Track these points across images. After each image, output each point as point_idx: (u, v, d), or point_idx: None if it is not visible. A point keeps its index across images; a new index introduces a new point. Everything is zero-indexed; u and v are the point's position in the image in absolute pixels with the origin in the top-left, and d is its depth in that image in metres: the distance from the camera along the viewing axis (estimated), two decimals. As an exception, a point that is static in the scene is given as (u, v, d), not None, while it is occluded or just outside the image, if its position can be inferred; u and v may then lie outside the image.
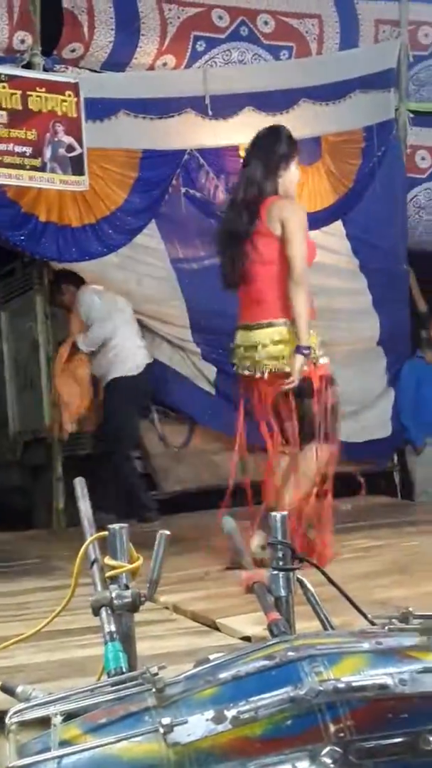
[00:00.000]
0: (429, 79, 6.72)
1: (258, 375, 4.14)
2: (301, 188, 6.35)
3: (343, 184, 6.45)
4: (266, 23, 6.31)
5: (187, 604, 3.51)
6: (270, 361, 4.12)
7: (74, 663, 2.62)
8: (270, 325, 4.17)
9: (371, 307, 6.54)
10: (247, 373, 4.19)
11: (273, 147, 4.25)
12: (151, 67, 6.16)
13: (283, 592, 1.76)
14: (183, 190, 6.14)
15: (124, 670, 1.42)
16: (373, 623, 1.46)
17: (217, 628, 3.18)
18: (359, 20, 6.46)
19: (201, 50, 6.21)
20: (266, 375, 4.12)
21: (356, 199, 6.49)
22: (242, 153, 6.22)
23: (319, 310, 6.32)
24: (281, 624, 1.57)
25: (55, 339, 6.21)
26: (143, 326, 6.20)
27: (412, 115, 6.61)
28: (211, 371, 6.20)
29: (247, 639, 2.86)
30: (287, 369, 4.06)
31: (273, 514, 1.85)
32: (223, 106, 6.12)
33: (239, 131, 6.18)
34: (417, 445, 6.58)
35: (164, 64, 6.18)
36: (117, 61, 6.03)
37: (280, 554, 1.78)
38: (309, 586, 1.75)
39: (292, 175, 4.25)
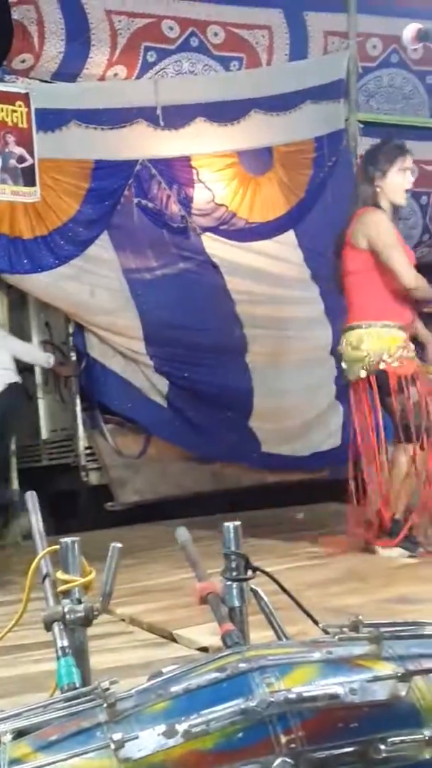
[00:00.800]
0: (378, 90, 6.79)
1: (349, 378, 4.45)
2: (253, 198, 6.40)
3: (295, 194, 6.50)
4: (216, 34, 6.34)
5: (143, 616, 3.49)
6: (354, 364, 4.38)
7: (28, 678, 2.60)
8: (350, 328, 4.42)
9: (324, 316, 6.58)
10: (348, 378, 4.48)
11: (372, 156, 4.44)
12: (102, 78, 6.16)
13: (236, 603, 1.76)
14: (135, 200, 6.13)
15: (77, 685, 1.41)
16: (326, 632, 1.46)
17: (174, 640, 3.17)
18: (308, 32, 6.51)
19: (152, 61, 6.23)
20: (351, 378, 4.42)
21: (308, 208, 6.53)
22: (194, 163, 6.29)
23: (269, 319, 6.40)
24: (235, 635, 1.57)
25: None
26: (97, 337, 6.18)
27: (362, 126, 6.67)
28: (163, 384, 6.18)
29: (204, 650, 2.85)
30: (363, 372, 4.32)
31: (226, 524, 1.85)
32: (175, 117, 6.13)
33: (191, 141, 6.21)
34: None
35: (115, 75, 6.18)
36: (67, 72, 6.02)
37: (233, 564, 1.78)
38: (263, 595, 1.75)
39: (391, 183, 4.34)
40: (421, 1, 6.33)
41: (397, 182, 4.37)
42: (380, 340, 4.33)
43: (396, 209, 4.44)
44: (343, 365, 4.49)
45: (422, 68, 6.73)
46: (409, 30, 2.77)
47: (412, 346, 4.41)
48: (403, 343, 4.36)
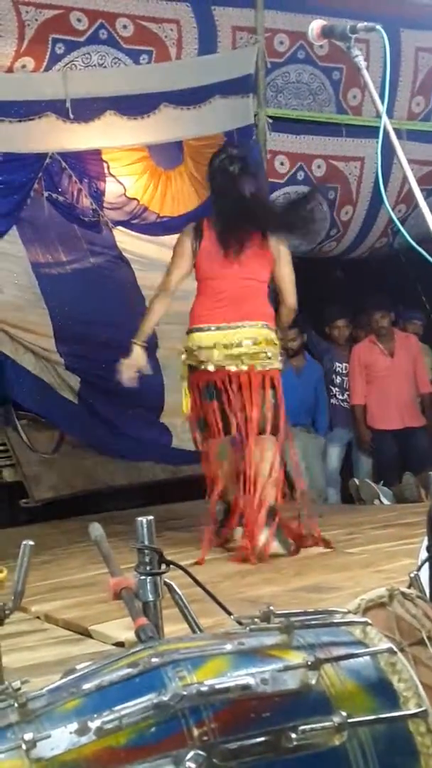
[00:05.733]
0: (285, 86, 6.83)
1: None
2: (164, 192, 6.39)
3: (206, 188, 6.49)
4: (125, 27, 6.29)
5: (59, 613, 3.48)
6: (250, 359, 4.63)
7: None
8: (252, 326, 4.68)
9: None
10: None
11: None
12: (10, 70, 6.04)
13: (150, 597, 1.77)
14: (46, 194, 6.05)
15: (-12, 686, 1.39)
16: (239, 623, 1.48)
17: (90, 636, 3.16)
18: (217, 26, 6.51)
19: (60, 53, 6.14)
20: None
21: (219, 203, 6.53)
22: (105, 157, 6.24)
23: (180, 314, 6.38)
24: (149, 629, 1.58)
25: None
26: (7, 334, 6.07)
27: (270, 121, 6.71)
28: (75, 380, 6.10)
29: (120, 644, 2.86)
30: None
31: (139, 519, 1.86)
32: (84, 110, 6.06)
33: (101, 135, 6.16)
34: None
35: (23, 67, 6.08)
36: (-27, 64, 5.91)
37: (146, 559, 1.79)
38: (177, 589, 1.76)
39: None
40: (326, -2, 6.40)
41: None
42: (275, 342, 4.67)
43: None
44: (229, 354, 4.63)
45: (328, 64, 6.79)
46: (315, 26, 2.79)
47: None
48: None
